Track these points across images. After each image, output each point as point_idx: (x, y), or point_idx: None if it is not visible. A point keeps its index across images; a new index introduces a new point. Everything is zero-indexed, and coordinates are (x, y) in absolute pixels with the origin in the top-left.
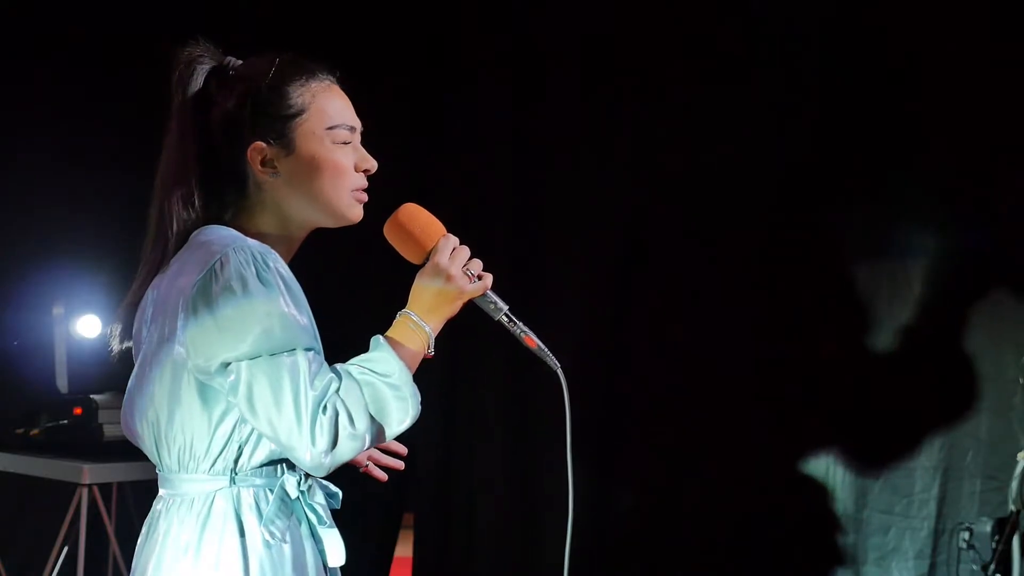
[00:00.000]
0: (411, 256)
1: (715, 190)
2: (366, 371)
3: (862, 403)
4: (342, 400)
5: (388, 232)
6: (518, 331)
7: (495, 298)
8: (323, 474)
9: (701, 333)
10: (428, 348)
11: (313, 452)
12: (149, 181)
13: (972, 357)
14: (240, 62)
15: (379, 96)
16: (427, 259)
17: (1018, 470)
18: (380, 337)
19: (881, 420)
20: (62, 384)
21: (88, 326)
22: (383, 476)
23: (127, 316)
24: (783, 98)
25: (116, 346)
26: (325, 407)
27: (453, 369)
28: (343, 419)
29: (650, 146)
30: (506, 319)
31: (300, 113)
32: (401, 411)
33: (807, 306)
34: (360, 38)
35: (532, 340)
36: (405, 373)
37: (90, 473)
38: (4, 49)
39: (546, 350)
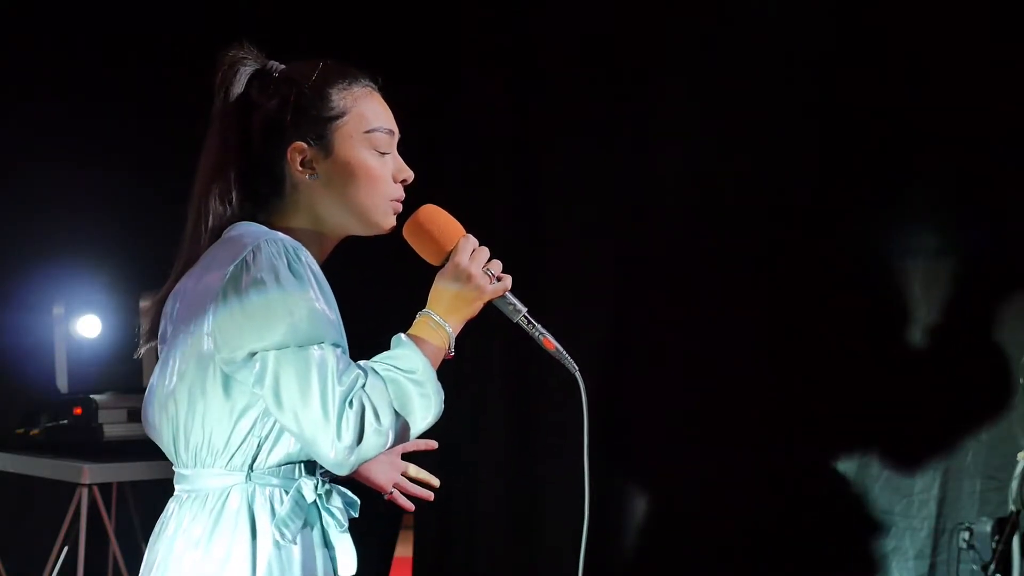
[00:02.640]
0: (430, 257)
1: (715, 190)
2: (391, 368)
3: (862, 403)
4: (368, 396)
5: (408, 233)
6: (536, 333)
7: (514, 300)
8: (346, 472)
9: (702, 334)
10: (449, 348)
11: (338, 447)
12: (149, 181)
13: (972, 357)
14: (283, 66)
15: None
16: (446, 260)
17: (1018, 470)
18: (403, 335)
19: (881, 420)
20: (62, 384)
21: (88, 326)
22: (410, 506)
23: (155, 314)
24: (783, 98)
25: (143, 345)
26: (351, 402)
27: (455, 370)
28: (369, 415)
29: (651, 146)
30: (524, 321)
31: (341, 116)
32: (425, 408)
33: (807, 307)
34: (359, 39)
35: (551, 342)
36: (430, 370)
37: (90, 473)
38: (4, 50)
39: (564, 352)
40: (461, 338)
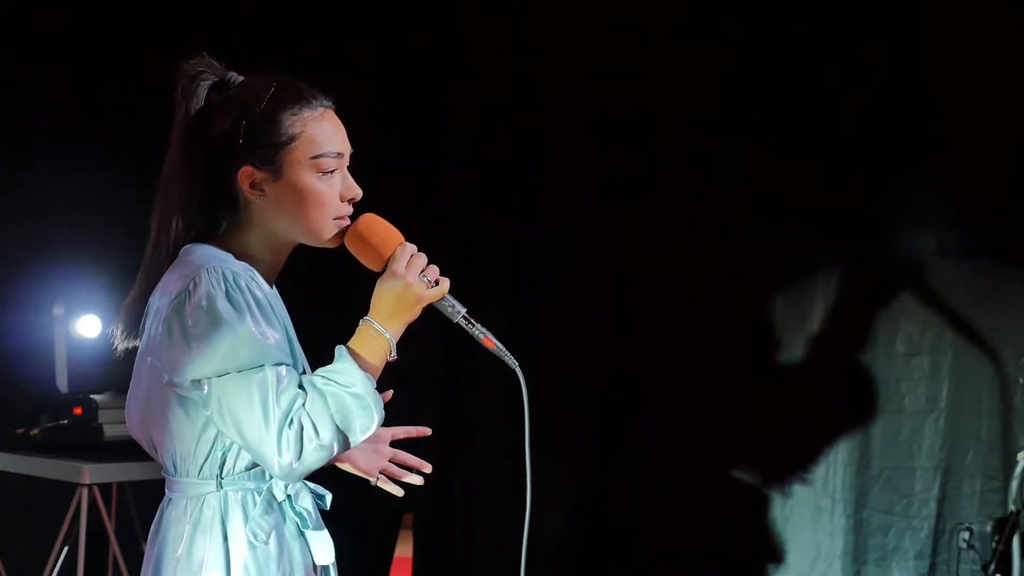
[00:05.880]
0: (371, 264)
1: (715, 191)
2: (330, 382)
3: (862, 403)
4: (307, 413)
5: (348, 242)
6: (476, 332)
7: (453, 301)
8: (294, 481)
9: (700, 335)
10: (390, 353)
11: (281, 463)
12: (149, 181)
13: (973, 357)
14: (241, 78)
15: (378, 109)
16: (386, 267)
17: (1018, 470)
18: (343, 348)
19: (880, 420)
20: (62, 384)
21: (88, 326)
22: (398, 491)
23: (128, 316)
24: (783, 100)
25: (121, 344)
26: (291, 421)
27: (453, 369)
28: (308, 431)
29: (649, 148)
30: (464, 321)
31: (290, 142)
32: (365, 419)
33: (806, 307)
34: (358, 41)
35: (490, 341)
36: (367, 382)
37: (90, 473)
38: (4, 51)
39: (504, 350)
40: (460, 340)
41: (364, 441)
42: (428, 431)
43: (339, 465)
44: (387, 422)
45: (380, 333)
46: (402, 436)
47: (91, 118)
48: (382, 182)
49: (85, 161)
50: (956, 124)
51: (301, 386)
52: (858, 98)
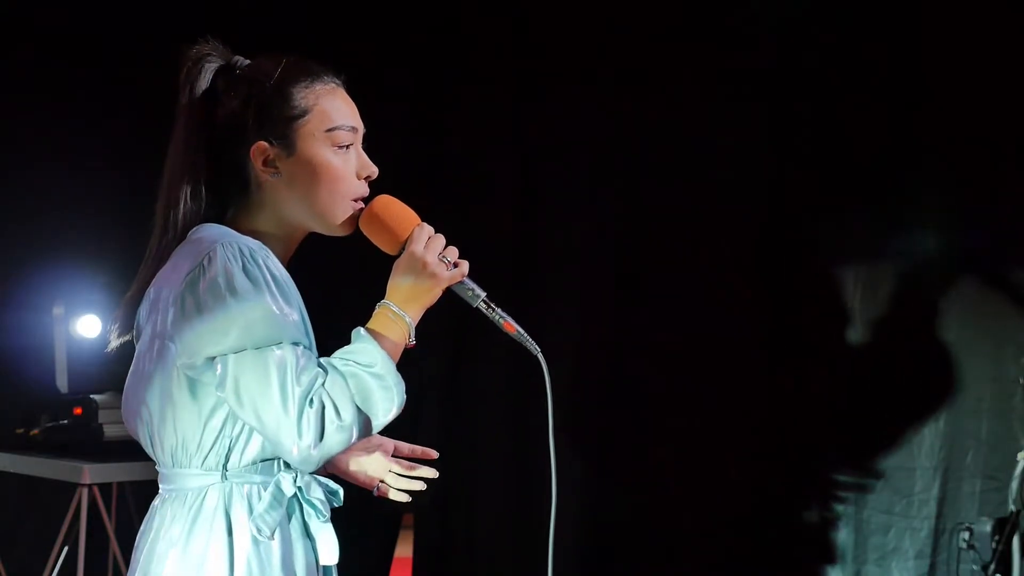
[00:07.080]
0: (387, 247)
1: (715, 191)
2: (349, 362)
3: (862, 403)
4: (328, 393)
5: (364, 224)
6: (496, 317)
7: (472, 285)
8: (312, 468)
9: (701, 335)
10: (409, 338)
11: (300, 446)
12: (149, 181)
13: (973, 357)
14: (248, 61)
15: (379, 101)
16: (403, 249)
17: (1018, 470)
18: (361, 329)
19: (881, 420)
20: (62, 384)
21: (88, 326)
22: (403, 497)
23: (127, 310)
24: (782, 100)
25: (114, 340)
26: (311, 400)
27: (455, 368)
28: (330, 412)
29: (648, 148)
30: (484, 306)
31: (303, 115)
32: (387, 400)
33: (806, 307)
34: (358, 41)
35: (511, 325)
36: (388, 363)
37: (90, 473)
38: (3, 50)
39: (525, 335)
40: (462, 339)
41: (365, 452)
42: (435, 453)
43: (339, 473)
44: (389, 429)
45: (400, 316)
46: (407, 452)
47: (91, 118)
48: (381, 182)
49: (85, 161)
50: (956, 124)
51: (320, 366)
52: (858, 98)
